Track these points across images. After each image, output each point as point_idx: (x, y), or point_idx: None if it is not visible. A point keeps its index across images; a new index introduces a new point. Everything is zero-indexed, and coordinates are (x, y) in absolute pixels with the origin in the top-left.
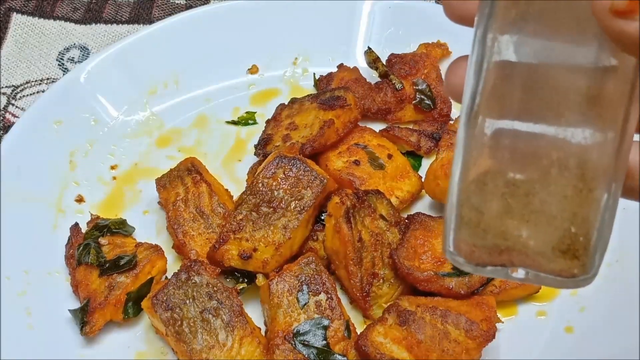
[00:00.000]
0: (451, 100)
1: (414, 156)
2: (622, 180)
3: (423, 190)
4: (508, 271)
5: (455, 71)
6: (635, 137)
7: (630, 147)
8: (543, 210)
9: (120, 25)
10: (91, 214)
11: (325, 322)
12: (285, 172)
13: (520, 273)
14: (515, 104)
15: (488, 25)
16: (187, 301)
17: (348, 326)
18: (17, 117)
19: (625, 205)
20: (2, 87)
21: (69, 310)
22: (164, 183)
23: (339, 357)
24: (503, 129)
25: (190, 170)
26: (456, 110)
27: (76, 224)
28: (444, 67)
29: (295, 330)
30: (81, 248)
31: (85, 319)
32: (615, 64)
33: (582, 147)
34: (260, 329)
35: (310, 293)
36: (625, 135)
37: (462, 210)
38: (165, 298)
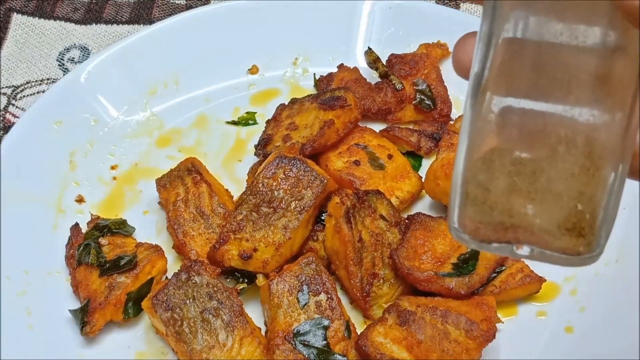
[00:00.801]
0: (451, 100)
1: (414, 156)
2: (629, 160)
3: (423, 191)
4: (513, 248)
5: (463, 47)
6: None
7: (638, 127)
8: (549, 188)
9: (121, 25)
10: (91, 214)
11: (326, 322)
12: (286, 173)
13: (525, 250)
14: (524, 81)
15: (497, 2)
16: (188, 301)
17: (348, 326)
18: (17, 117)
19: (625, 205)
20: (3, 88)
21: (69, 310)
22: (164, 183)
23: (339, 357)
24: (511, 106)
25: (191, 171)
26: (456, 111)
27: (76, 224)
28: (444, 67)
29: (295, 331)
30: (81, 248)
31: (86, 319)
32: (625, 44)
33: (590, 126)
34: (260, 329)
35: (310, 293)
36: (634, 115)
37: (468, 188)
38: (165, 298)
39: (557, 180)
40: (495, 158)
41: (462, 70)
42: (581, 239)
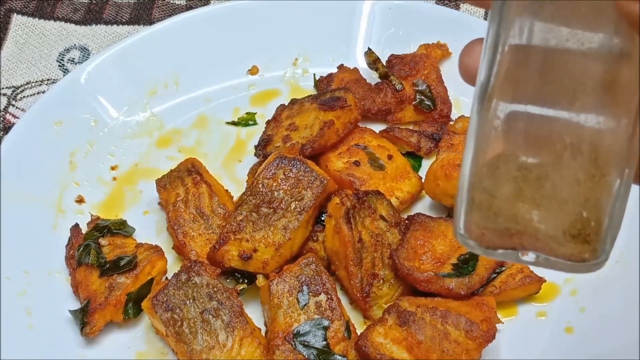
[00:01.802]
0: (451, 100)
1: (414, 157)
2: (634, 166)
3: (423, 191)
4: (518, 254)
5: (470, 53)
6: None
7: None
8: (555, 194)
9: (121, 26)
10: (91, 215)
11: (325, 323)
12: (286, 173)
13: (530, 256)
14: (530, 87)
15: (504, 9)
16: (187, 302)
17: (348, 327)
18: (17, 117)
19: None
20: (3, 88)
21: (69, 310)
22: (164, 184)
23: (339, 357)
24: (516, 113)
25: (191, 171)
26: (456, 111)
27: (76, 225)
28: (444, 68)
29: (295, 331)
30: (81, 249)
31: (86, 319)
32: (631, 50)
33: (596, 132)
34: (260, 329)
35: (310, 294)
36: (639, 121)
37: (473, 193)
38: (165, 299)
39: (562, 187)
40: (500, 164)
41: (469, 76)
42: (586, 245)
